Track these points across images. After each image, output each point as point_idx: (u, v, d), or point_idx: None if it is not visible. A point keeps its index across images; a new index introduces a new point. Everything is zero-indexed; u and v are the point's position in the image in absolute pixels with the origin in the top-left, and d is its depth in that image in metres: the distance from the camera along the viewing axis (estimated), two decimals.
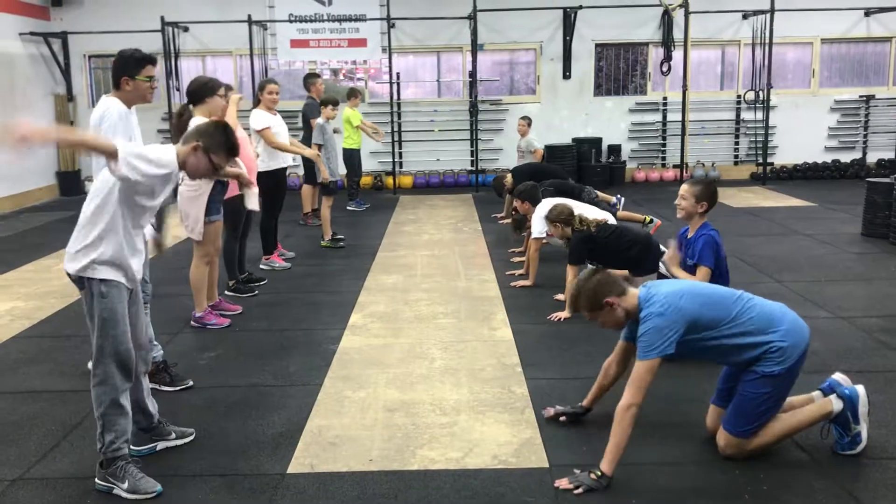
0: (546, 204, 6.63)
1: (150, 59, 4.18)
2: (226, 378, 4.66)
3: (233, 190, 5.95)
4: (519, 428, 3.87)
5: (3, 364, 4.99)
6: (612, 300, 3.37)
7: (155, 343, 4.36)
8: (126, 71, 4.11)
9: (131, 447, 3.43)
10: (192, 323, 5.64)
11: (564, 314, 5.57)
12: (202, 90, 5.28)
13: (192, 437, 3.78)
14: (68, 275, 3.32)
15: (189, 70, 13.21)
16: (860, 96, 13.67)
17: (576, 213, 6.02)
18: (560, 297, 6.00)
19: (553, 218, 6.03)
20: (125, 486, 3.25)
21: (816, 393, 3.66)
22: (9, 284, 7.13)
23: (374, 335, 5.40)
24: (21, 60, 12.32)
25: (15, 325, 5.85)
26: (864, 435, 3.46)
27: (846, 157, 13.65)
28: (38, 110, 12.66)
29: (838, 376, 3.67)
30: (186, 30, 13.14)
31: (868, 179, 8.71)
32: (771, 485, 3.27)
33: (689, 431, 3.77)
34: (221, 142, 3.34)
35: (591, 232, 5.87)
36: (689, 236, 4.73)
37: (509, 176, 9.26)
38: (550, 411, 3.94)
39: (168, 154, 3.21)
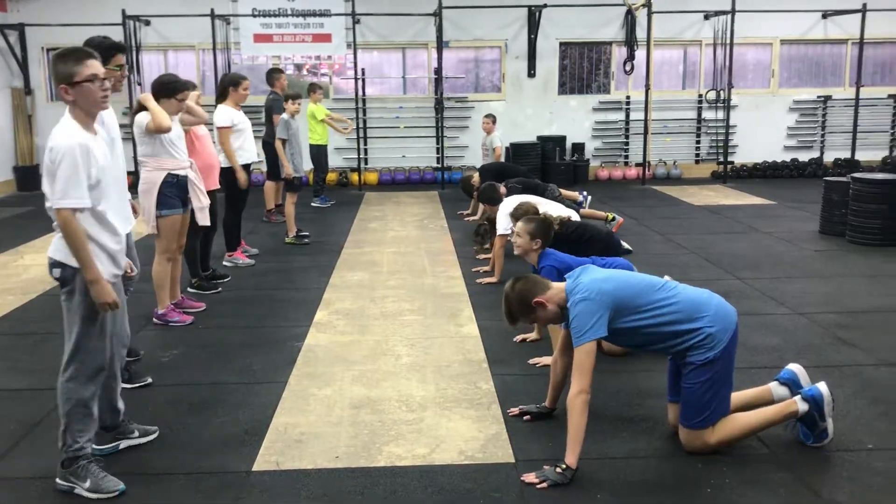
0: (511, 201, 6.67)
1: (119, 48, 4.11)
2: (189, 376, 4.61)
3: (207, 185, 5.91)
4: (485, 423, 3.88)
5: None
6: (541, 299, 3.47)
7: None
8: None
9: (94, 446, 3.37)
10: (155, 320, 5.57)
11: (532, 335, 5.28)
12: (161, 89, 5.28)
13: (155, 436, 3.74)
14: (52, 264, 3.23)
15: (150, 64, 13.03)
16: (818, 97, 13.94)
17: (541, 210, 6.05)
18: None
19: (519, 215, 6.05)
20: (87, 485, 3.20)
21: (773, 383, 3.76)
22: None
23: (339, 332, 5.38)
24: None
25: None
26: (831, 429, 3.55)
27: (804, 157, 13.89)
28: None
29: (794, 367, 3.78)
30: (148, 23, 12.94)
31: (826, 178, 8.87)
32: (733, 478, 3.33)
33: (654, 426, 3.82)
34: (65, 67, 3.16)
35: (556, 228, 5.90)
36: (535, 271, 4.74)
37: (476, 175, 9.30)
38: (515, 410, 3.97)
39: (61, 141, 3.11)
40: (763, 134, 13.81)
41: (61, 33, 12.20)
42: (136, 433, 3.68)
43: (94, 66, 3.19)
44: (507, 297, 3.57)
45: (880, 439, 3.67)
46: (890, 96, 13.86)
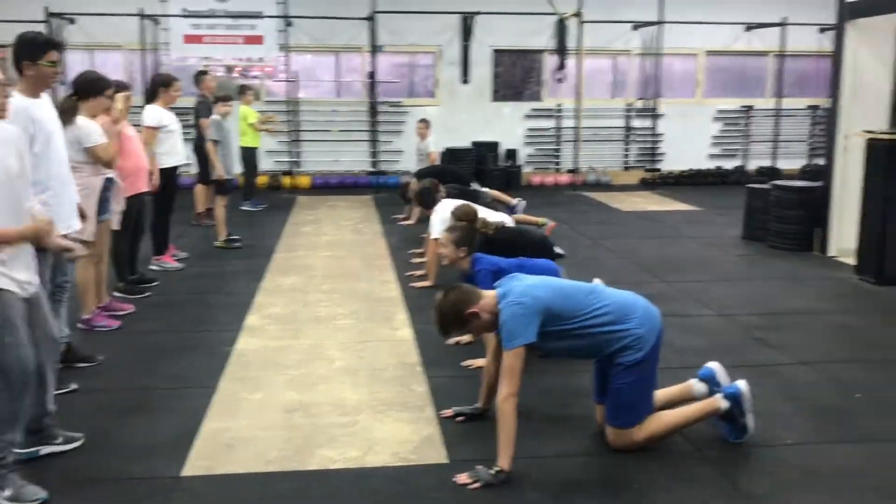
0: (447, 204, 6.71)
1: (53, 44, 4.00)
2: (117, 381, 4.51)
3: (128, 189, 5.78)
4: (419, 426, 3.90)
5: None
6: (474, 309, 3.47)
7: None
8: (28, 55, 3.89)
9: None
10: (80, 325, 5.41)
11: (466, 338, 5.40)
12: (89, 87, 5.12)
13: (80, 443, 3.64)
14: None
15: (75, 64, 12.64)
16: (741, 106, 14.41)
17: (479, 216, 6.09)
18: None
19: (458, 216, 6.05)
20: (7, 493, 3.10)
21: (693, 380, 3.91)
22: None
23: (271, 337, 5.33)
24: None
25: None
26: (752, 425, 3.68)
27: (729, 164, 14.34)
28: None
29: (713, 364, 3.93)
30: (73, 21, 12.57)
31: (748, 185, 9.18)
32: (659, 474, 3.43)
33: (584, 425, 3.90)
34: None
35: (491, 234, 5.95)
36: (470, 276, 4.81)
37: (414, 180, 9.30)
38: (448, 412, 4.00)
39: None
40: (689, 142, 14.19)
41: None
42: (60, 439, 3.58)
43: (56, 56, 3.25)
44: (439, 310, 3.53)
45: (798, 435, 3.83)
46: (809, 107, 14.41)
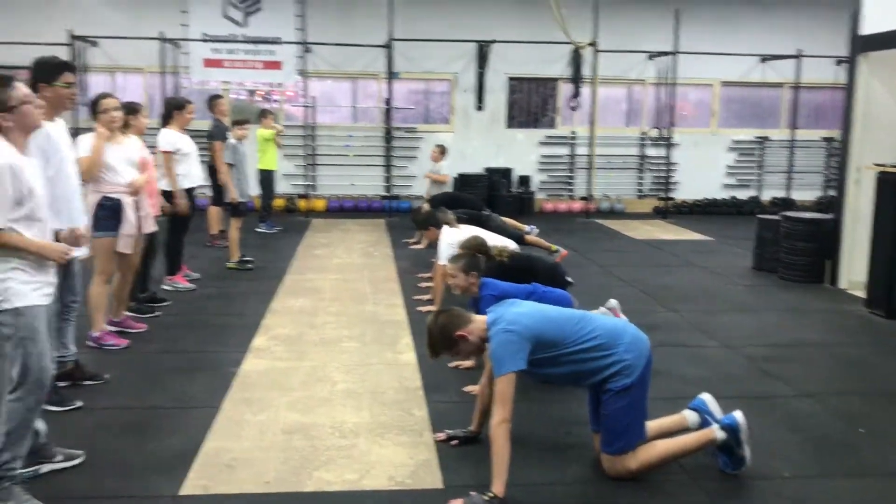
0: (456, 232, 6.75)
1: (68, 66, 4.12)
2: (121, 399, 4.57)
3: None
4: (417, 450, 3.92)
5: None
6: (463, 332, 3.54)
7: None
8: (44, 77, 4.01)
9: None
10: (89, 343, 5.49)
11: (468, 363, 5.28)
12: (91, 109, 5.34)
13: (80, 460, 3.69)
14: None
15: (97, 85, 12.87)
16: (756, 137, 14.42)
17: (489, 243, 6.05)
18: None
19: (466, 247, 5.98)
20: None
21: (686, 411, 3.90)
22: None
23: (277, 358, 5.38)
24: None
25: None
26: (748, 456, 3.67)
27: (743, 195, 14.34)
28: None
29: (705, 396, 3.93)
30: (95, 44, 12.84)
31: (759, 216, 9.17)
32: (654, 502, 3.42)
33: (580, 453, 3.90)
34: None
35: (505, 261, 5.92)
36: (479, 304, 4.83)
37: (426, 205, 9.37)
38: (442, 436, 4.02)
39: None
40: (703, 172, 14.22)
41: (7, 52, 12.00)
42: (60, 457, 3.63)
43: (23, 88, 3.22)
44: (429, 330, 3.62)
45: (796, 468, 3.82)
46: (824, 139, 14.39)
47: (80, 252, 4.03)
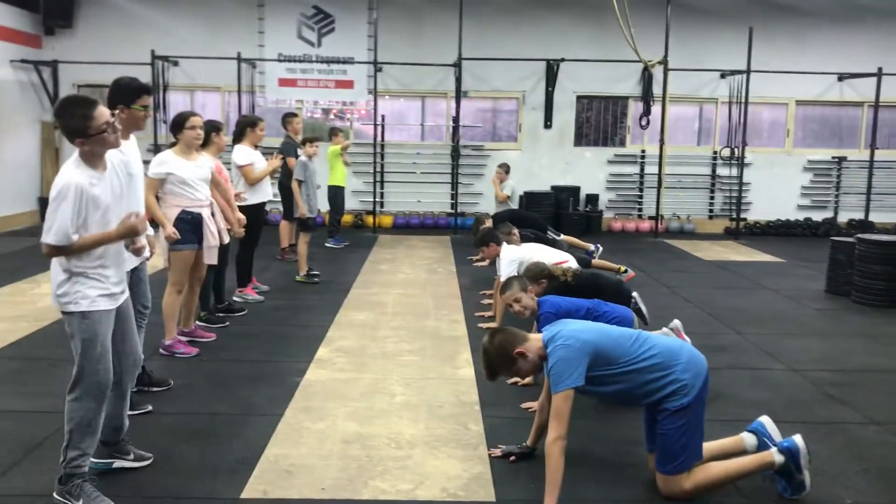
0: (516, 248, 6.79)
1: (146, 90, 4.31)
2: (189, 405, 4.74)
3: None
4: (471, 463, 3.97)
5: None
6: (521, 349, 3.56)
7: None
8: (122, 99, 4.18)
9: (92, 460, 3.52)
10: (161, 350, 5.72)
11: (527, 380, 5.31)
12: (174, 125, 5.57)
13: (149, 462, 3.86)
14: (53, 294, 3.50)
15: (177, 103, 13.40)
16: (833, 157, 14.04)
17: (551, 262, 6.04)
18: None
19: (534, 277, 5.96)
20: (79, 503, 3.33)
21: (744, 434, 3.84)
22: None
23: (339, 369, 5.50)
24: (9, 86, 12.48)
25: None
26: (808, 482, 3.61)
27: (818, 216, 13.97)
28: (22, 135, 12.84)
29: (763, 419, 3.86)
30: (176, 64, 13.36)
31: (832, 238, 8.92)
32: None
33: (636, 472, 3.88)
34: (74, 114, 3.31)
35: (570, 281, 5.88)
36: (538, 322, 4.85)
37: (489, 222, 9.43)
38: (497, 451, 4.05)
39: (61, 178, 3.35)
40: (777, 192, 13.91)
41: (93, 71, 12.63)
42: (132, 456, 3.81)
43: (104, 114, 3.34)
44: (485, 351, 3.63)
45: (858, 495, 3.71)
46: None
47: (148, 254, 4.21)
